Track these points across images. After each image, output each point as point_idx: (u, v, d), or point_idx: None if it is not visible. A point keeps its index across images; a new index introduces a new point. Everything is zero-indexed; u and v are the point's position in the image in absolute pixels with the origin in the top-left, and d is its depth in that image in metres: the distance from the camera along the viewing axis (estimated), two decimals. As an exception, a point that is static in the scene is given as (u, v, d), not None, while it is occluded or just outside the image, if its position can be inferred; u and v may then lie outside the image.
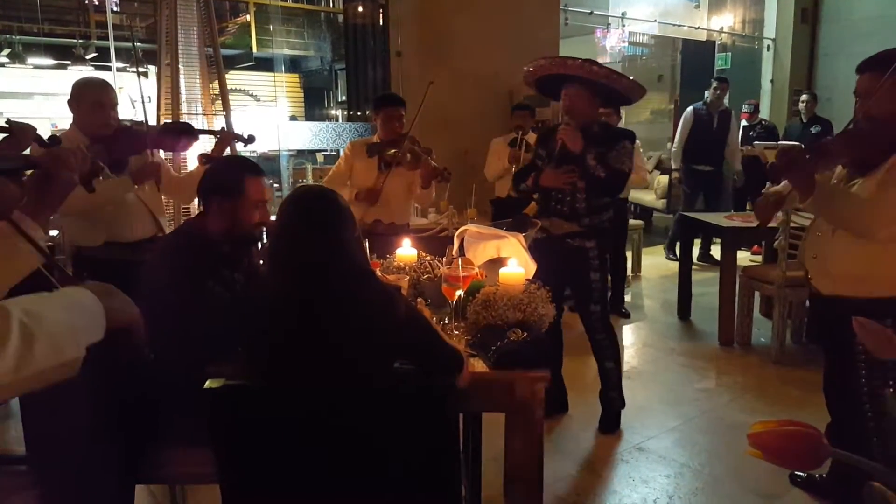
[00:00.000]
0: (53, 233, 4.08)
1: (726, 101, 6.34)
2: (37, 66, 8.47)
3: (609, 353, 3.09)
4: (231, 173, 2.03)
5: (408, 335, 1.56)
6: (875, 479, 0.85)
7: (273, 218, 1.97)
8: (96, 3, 7.79)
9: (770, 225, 3.97)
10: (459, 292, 1.99)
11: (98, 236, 2.75)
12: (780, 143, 6.13)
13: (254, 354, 1.56)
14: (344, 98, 8.74)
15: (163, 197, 3.08)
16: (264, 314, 1.55)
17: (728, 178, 6.37)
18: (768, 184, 2.53)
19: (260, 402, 1.50)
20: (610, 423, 3.12)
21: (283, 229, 1.58)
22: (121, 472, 1.85)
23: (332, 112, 12.09)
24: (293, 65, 10.38)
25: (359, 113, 6.00)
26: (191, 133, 2.93)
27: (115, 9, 7.56)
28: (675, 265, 5.21)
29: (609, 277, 5.06)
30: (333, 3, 9.55)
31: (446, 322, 2.04)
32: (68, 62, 7.65)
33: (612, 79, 2.79)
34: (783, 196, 2.41)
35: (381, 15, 5.53)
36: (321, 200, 1.58)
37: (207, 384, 1.49)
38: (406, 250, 2.35)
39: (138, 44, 8.19)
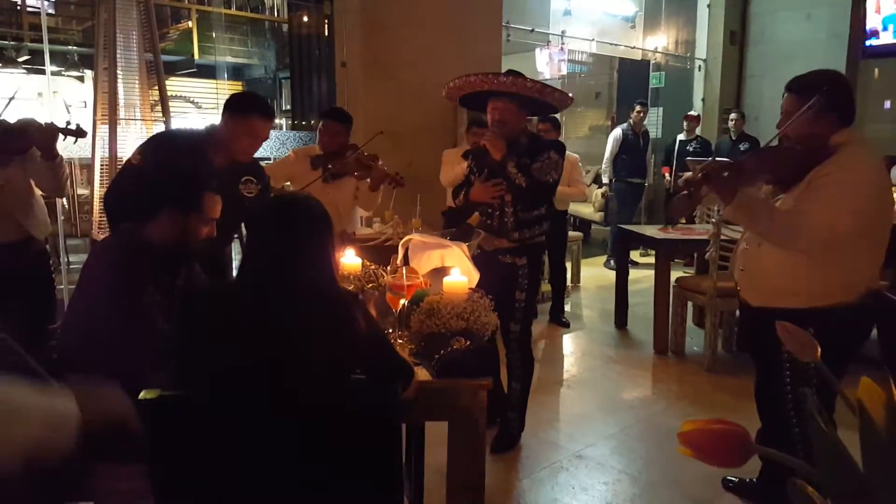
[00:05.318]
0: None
1: (657, 118, 6.88)
2: (-39, 66, 8.04)
3: (518, 374, 3.01)
4: (191, 186, 1.91)
5: (363, 346, 1.54)
6: (798, 476, 0.90)
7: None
8: (29, 4, 7.47)
9: (702, 237, 4.14)
10: (403, 301, 2.00)
11: None
12: (711, 159, 6.40)
13: (195, 363, 1.52)
14: (288, 107, 8.66)
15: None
16: (211, 320, 1.52)
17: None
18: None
19: (198, 414, 1.46)
20: (502, 444, 3.03)
21: (252, 230, 1.59)
22: (44, 492, 1.77)
23: (276, 121, 11.92)
24: (236, 73, 10.19)
25: (303, 122, 5.94)
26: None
27: (49, 11, 7.27)
28: (612, 275, 5.35)
29: (551, 287, 5.20)
30: (278, 12, 9.45)
31: (390, 331, 2.04)
32: (-3, 64, 7.32)
33: (546, 93, 2.76)
34: (697, 191, 2.41)
35: (326, 25, 5.51)
36: (291, 205, 1.56)
37: (142, 395, 1.44)
38: (350, 259, 2.35)
39: (75, 47, 7.91)
